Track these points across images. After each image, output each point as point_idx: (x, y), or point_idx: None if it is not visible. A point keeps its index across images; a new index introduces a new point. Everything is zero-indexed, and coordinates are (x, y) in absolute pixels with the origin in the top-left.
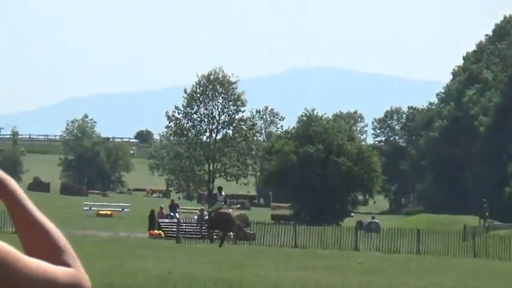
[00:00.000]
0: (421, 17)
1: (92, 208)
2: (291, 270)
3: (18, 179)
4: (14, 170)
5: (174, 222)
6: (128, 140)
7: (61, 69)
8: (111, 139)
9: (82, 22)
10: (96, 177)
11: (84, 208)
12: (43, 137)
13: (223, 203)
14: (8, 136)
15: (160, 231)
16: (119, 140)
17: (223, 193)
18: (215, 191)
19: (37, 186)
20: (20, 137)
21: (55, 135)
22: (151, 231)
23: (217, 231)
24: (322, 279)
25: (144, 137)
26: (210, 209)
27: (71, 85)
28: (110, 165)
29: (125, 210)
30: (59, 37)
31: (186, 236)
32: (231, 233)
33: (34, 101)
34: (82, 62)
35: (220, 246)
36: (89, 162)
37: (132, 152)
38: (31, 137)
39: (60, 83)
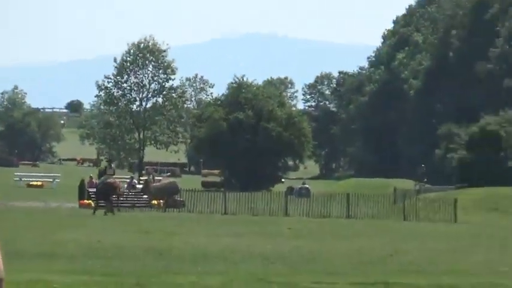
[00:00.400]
0: None
1: (23, 179)
2: (221, 237)
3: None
4: None
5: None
6: (58, 110)
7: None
8: (41, 110)
9: None
10: (26, 147)
11: (15, 179)
12: None
13: (113, 175)
14: None
15: (90, 201)
16: (50, 110)
17: (112, 165)
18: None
19: None
20: None
21: None
22: (81, 201)
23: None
24: (252, 245)
25: (74, 107)
26: (98, 181)
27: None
28: (41, 135)
29: (56, 180)
30: None
31: (118, 205)
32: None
33: None
34: (16, 32)
35: (105, 214)
36: (19, 133)
37: (62, 122)
38: None
39: None
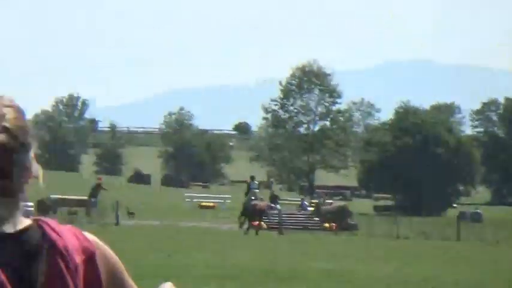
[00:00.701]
0: None
1: (194, 200)
2: (389, 262)
3: (118, 171)
4: (114, 162)
5: (275, 214)
6: (227, 131)
7: (159, 62)
8: (209, 131)
9: (181, 15)
10: (196, 169)
11: (186, 200)
12: (141, 129)
13: (256, 190)
14: (107, 128)
15: (261, 222)
16: (218, 132)
17: (256, 181)
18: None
19: (138, 179)
20: (118, 129)
21: (153, 128)
22: (252, 222)
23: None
24: (425, 270)
25: (242, 129)
26: (245, 199)
27: (168, 78)
28: (210, 157)
29: (227, 201)
30: (156, 29)
31: (289, 227)
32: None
33: (132, 94)
34: (178, 55)
35: (247, 230)
36: (188, 154)
37: (231, 144)
38: (129, 129)
39: (159, 75)
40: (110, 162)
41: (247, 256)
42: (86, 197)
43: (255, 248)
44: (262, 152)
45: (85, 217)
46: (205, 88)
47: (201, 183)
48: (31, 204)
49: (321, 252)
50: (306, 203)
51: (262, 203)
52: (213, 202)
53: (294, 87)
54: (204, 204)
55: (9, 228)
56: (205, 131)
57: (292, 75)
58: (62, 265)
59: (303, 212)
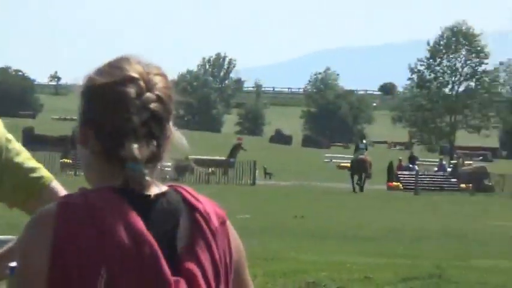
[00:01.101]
0: None
1: (333, 160)
2: None
3: (260, 131)
4: (256, 123)
5: (412, 174)
6: (371, 92)
7: (306, 23)
8: (354, 92)
9: None
10: (338, 129)
11: (325, 160)
12: (286, 89)
13: (364, 150)
14: (252, 89)
15: (398, 183)
16: (362, 92)
17: (364, 141)
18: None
19: (279, 139)
20: (263, 89)
21: (298, 88)
22: (389, 183)
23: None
24: None
25: (387, 89)
26: (352, 157)
27: (315, 38)
28: (352, 117)
29: None
30: None
31: (425, 187)
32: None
33: (278, 55)
34: (325, 16)
35: (361, 191)
36: (331, 114)
37: (374, 104)
38: (275, 89)
39: (305, 36)
40: (252, 122)
41: (379, 216)
42: (224, 158)
43: (388, 208)
44: (405, 112)
45: (222, 177)
46: (354, 48)
47: (341, 144)
48: (168, 164)
49: (448, 212)
50: (444, 163)
51: (366, 157)
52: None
53: (441, 47)
54: (342, 164)
55: (154, 191)
56: (350, 92)
57: (441, 36)
58: (204, 226)
59: (441, 172)
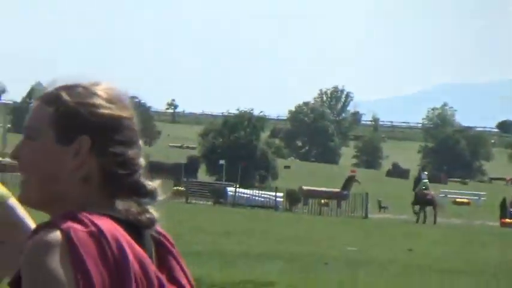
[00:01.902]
0: None
1: (448, 196)
2: None
3: (377, 165)
4: (374, 156)
5: None
6: (489, 129)
7: (424, 58)
8: (472, 128)
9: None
10: (456, 165)
11: (440, 195)
12: (404, 123)
13: (427, 182)
14: (369, 122)
15: (511, 220)
16: (480, 129)
17: (425, 172)
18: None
19: (396, 173)
20: (381, 123)
21: (416, 123)
22: (502, 220)
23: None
24: None
25: (505, 126)
26: (416, 189)
27: (435, 73)
28: (470, 153)
29: (482, 198)
30: (421, 24)
31: None
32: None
33: (398, 88)
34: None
35: (423, 222)
36: (449, 150)
37: (493, 141)
38: (392, 123)
39: (425, 71)
40: (369, 155)
41: (487, 253)
42: (338, 189)
43: (499, 246)
44: None
45: (335, 209)
46: (473, 84)
47: (459, 179)
48: (280, 194)
49: None
50: None
51: (432, 192)
52: (467, 198)
53: None
54: (458, 200)
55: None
56: (467, 128)
57: None
58: (173, 250)
59: None
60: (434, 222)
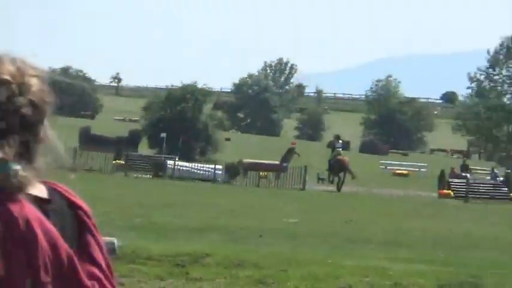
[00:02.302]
0: None
1: (388, 167)
2: None
3: (319, 137)
4: (316, 128)
5: (463, 182)
6: (433, 100)
7: (374, 30)
8: (416, 99)
9: None
10: (398, 136)
11: (380, 167)
12: (348, 95)
13: (340, 150)
14: (313, 94)
15: (450, 191)
16: (424, 100)
17: (340, 141)
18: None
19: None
20: (324, 95)
21: (360, 95)
22: (440, 191)
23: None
24: None
25: (449, 98)
26: (330, 157)
27: (380, 46)
28: (413, 125)
29: (422, 170)
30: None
31: (476, 196)
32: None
33: (343, 61)
34: (388, 23)
35: (338, 190)
36: (391, 121)
37: (435, 112)
38: (336, 95)
39: (371, 43)
40: (311, 127)
41: (426, 223)
42: (277, 162)
43: (436, 216)
44: (465, 121)
45: (274, 181)
46: (417, 56)
47: (400, 151)
48: (220, 167)
49: (496, 221)
50: (496, 172)
51: (345, 158)
52: (407, 170)
53: (501, 56)
54: (398, 171)
55: (35, 192)
56: (411, 99)
57: (501, 45)
58: (91, 225)
59: (492, 181)
60: (339, 189)
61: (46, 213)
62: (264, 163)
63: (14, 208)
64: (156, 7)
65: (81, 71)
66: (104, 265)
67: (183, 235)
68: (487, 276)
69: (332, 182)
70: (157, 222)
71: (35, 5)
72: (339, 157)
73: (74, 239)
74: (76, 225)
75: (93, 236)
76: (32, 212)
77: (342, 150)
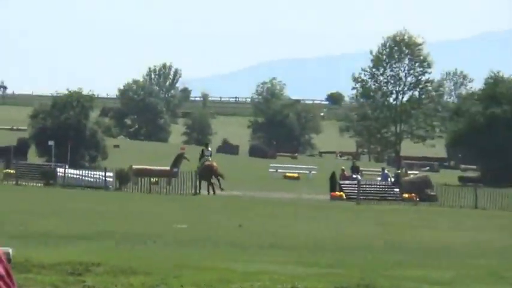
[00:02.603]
0: None
1: (278, 170)
2: (463, 231)
3: (207, 141)
4: (203, 132)
5: (354, 184)
6: (318, 102)
7: (252, 35)
8: (301, 101)
9: None
10: (285, 139)
11: (270, 170)
12: (233, 99)
13: (209, 157)
14: (198, 99)
15: (341, 193)
16: (310, 102)
17: (209, 148)
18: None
19: (226, 149)
20: (210, 99)
21: (245, 98)
22: (332, 193)
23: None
24: (493, 240)
25: (334, 99)
26: (198, 165)
27: (262, 50)
28: (300, 127)
29: (312, 172)
30: (250, 3)
31: (368, 197)
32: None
33: (225, 65)
34: (271, 27)
35: (214, 193)
36: (278, 124)
37: (322, 114)
38: (221, 99)
39: (252, 47)
40: (199, 132)
41: (316, 225)
42: (167, 168)
43: (327, 219)
44: (352, 122)
45: (165, 187)
46: (301, 59)
47: (289, 154)
48: (111, 174)
49: (387, 222)
50: (386, 172)
51: (212, 163)
52: (297, 173)
53: (384, 56)
54: (288, 175)
55: None
56: (296, 101)
57: (383, 45)
58: None
59: (383, 182)
60: (214, 192)
61: None
62: (154, 169)
63: None
64: (37, 15)
65: None
66: (5, 275)
67: (75, 243)
68: (378, 277)
69: (199, 189)
70: (49, 230)
71: None
72: (207, 163)
73: None
74: None
75: None
76: None
77: (232, 154)
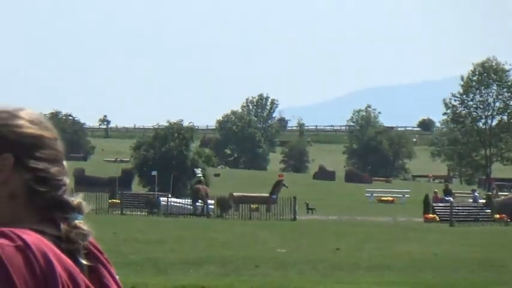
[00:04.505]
0: None
1: (374, 194)
2: None
3: (304, 168)
4: (300, 160)
5: (447, 206)
6: (411, 128)
7: (347, 64)
8: (394, 128)
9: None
10: (379, 164)
11: (366, 195)
12: (329, 127)
13: (201, 176)
14: (295, 127)
15: (434, 215)
16: (402, 128)
17: (199, 169)
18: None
19: (322, 175)
20: (306, 128)
21: (340, 126)
22: (426, 215)
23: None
24: None
25: (426, 125)
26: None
27: (356, 78)
28: (393, 153)
29: (406, 196)
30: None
31: (460, 219)
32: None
33: (321, 94)
34: (365, 56)
35: (207, 217)
36: (372, 150)
37: (414, 140)
38: (317, 127)
39: (346, 76)
40: (296, 159)
41: (411, 247)
42: (267, 194)
43: (423, 240)
44: (443, 147)
45: (265, 213)
46: (393, 86)
47: (383, 179)
48: (211, 202)
49: (482, 242)
50: (477, 194)
51: (203, 187)
52: (392, 196)
53: (474, 82)
54: (383, 198)
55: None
56: (390, 128)
57: (473, 71)
58: (103, 258)
59: (475, 204)
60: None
61: (62, 250)
62: (254, 196)
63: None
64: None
65: (70, 115)
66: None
67: (180, 268)
68: None
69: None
70: (154, 258)
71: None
72: (197, 186)
73: (86, 272)
74: (87, 260)
75: (106, 267)
76: (50, 249)
77: (329, 180)
